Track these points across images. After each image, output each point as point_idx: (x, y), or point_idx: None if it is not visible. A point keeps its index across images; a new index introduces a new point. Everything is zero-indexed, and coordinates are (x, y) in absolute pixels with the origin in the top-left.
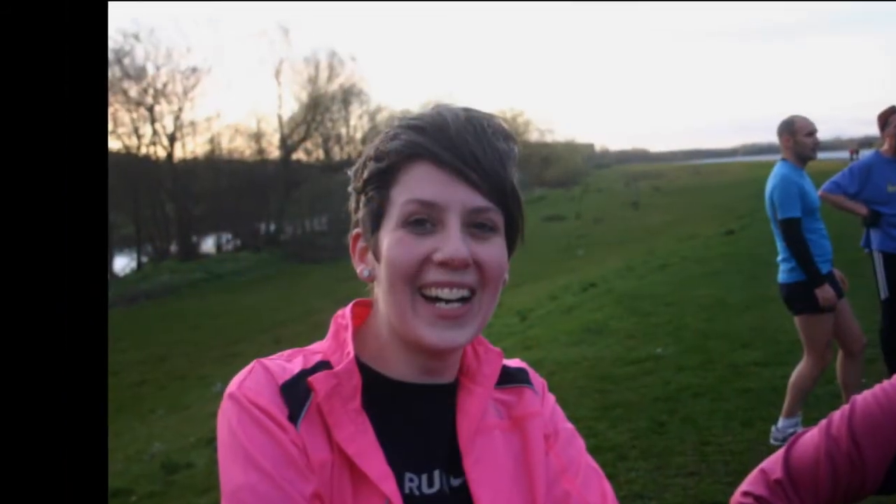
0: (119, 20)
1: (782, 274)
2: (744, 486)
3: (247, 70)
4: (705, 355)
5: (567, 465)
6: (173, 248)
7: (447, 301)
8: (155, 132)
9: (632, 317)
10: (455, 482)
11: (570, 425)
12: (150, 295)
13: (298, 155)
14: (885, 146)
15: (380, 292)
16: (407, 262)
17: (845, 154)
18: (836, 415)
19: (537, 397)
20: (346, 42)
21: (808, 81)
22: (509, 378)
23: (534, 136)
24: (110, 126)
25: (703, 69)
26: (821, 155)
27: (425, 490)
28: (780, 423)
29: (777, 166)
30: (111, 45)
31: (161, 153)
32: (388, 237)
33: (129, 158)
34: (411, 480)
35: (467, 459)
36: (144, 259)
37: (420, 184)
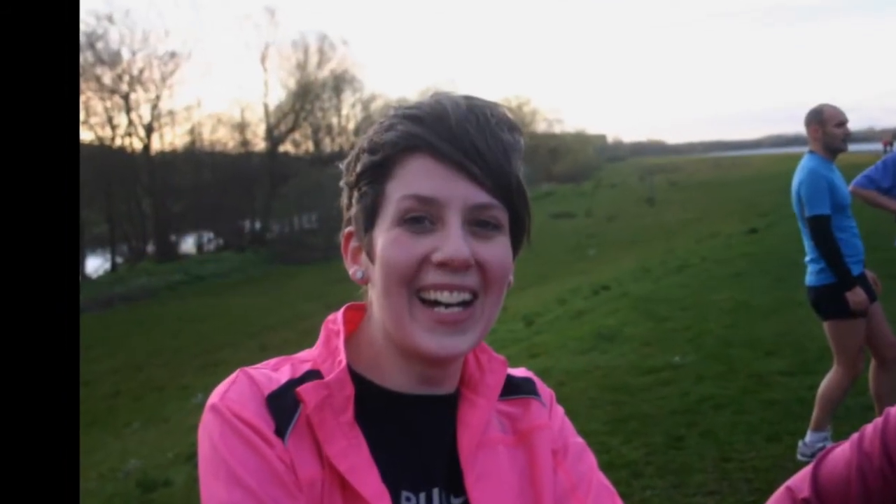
0: (91, 1)
1: (810, 276)
2: None
3: (230, 55)
4: (727, 364)
5: (577, 482)
6: (150, 247)
7: (447, 305)
8: (130, 122)
9: (647, 322)
10: (455, 501)
11: (580, 440)
12: (125, 298)
13: (286, 147)
14: None
15: (374, 295)
16: (404, 263)
17: (878, 146)
18: (869, 428)
19: (545, 409)
20: (337, 25)
21: (839, 67)
22: (514, 389)
23: (541, 127)
24: (82, 115)
25: (725, 55)
26: (852, 147)
27: None
28: (808, 437)
29: (804, 159)
30: (83, 27)
31: (137, 145)
32: (383, 236)
33: (103, 150)
34: (408, 499)
35: (469, 477)
36: (119, 260)
37: (418, 178)
